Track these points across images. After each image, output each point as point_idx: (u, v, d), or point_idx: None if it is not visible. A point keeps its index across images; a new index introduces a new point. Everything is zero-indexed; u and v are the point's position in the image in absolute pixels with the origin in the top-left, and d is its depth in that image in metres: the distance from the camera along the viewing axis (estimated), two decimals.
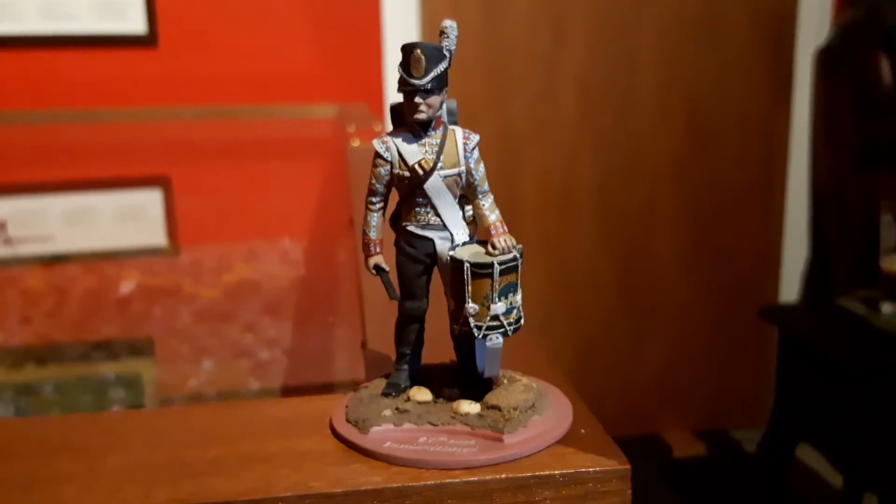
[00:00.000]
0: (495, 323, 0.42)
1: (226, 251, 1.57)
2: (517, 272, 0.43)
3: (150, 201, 1.84)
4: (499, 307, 0.42)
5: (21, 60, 1.96)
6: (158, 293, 1.40)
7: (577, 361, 2.34)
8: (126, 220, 1.78)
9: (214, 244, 1.61)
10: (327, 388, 1.06)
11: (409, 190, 0.44)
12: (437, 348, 0.48)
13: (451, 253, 0.43)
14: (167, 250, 1.59)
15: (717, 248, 2.38)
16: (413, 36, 2.08)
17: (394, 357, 0.48)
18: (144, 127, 1.97)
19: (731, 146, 2.33)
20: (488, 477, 0.39)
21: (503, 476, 0.39)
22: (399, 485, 0.39)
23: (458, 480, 0.39)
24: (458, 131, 0.44)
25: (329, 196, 1.61)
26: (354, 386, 0.94)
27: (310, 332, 1.25)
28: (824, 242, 2.08)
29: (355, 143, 1.37)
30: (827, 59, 2.03)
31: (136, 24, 1.97)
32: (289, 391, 1.08)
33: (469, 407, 0.43)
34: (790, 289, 2.38)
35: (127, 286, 1.44)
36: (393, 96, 2.09)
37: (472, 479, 0.39)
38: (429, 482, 0.39)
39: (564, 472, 0.40)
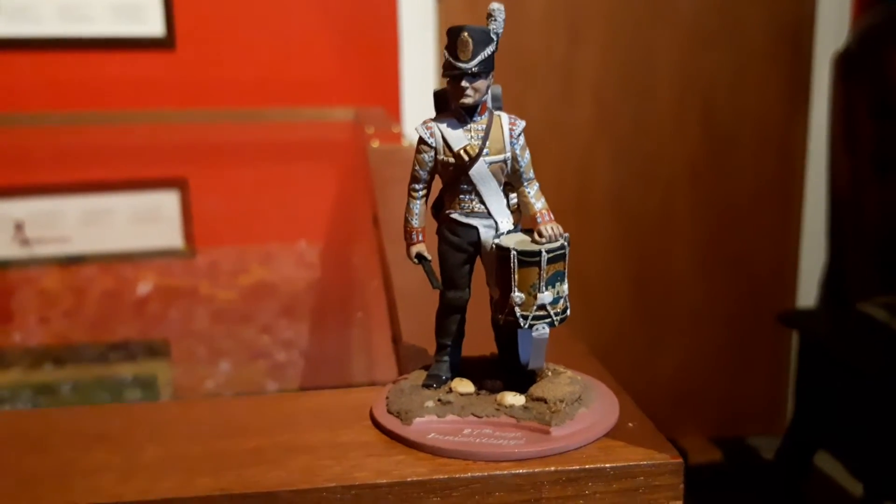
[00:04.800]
0: (542, 312, 0.42)
1: (242, 253, 1.57)
2: (564, 261, 0.42)
3: (167, 203, 1.85)
4: (546, 296, 0.41)
5: (39, 62, 1.97)
6: (175, 294, 1.40)
7: None
8: (143, 221, 1.78)
9: (231, 246, 1.61)
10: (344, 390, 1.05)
11: (454, 177, 0.43)
12: (476, 340, 0.47)
13: (497, 241, 0.42)
14: (184, 252, 1.59)
15: (734, 252, 2.36)
16: (430, 40, 2.08)
17: (428, 352, 0.47)
18: (161, 129, 1.98)
19: (748, 151, 2.32)
20: (537, 469, 0.38)
21: (552, 469, 0.38)
22: (446, 476, 0.38)
23: (506, 472, 0.38)
24: (504, 117, 0.43)
25: (345, 198, 1.61)
26: (372, 387, 0.93)
27: (326, 333, 1.25)
28: (842, 247, 2.06)
29: (375, 144, 1.36)
30: (845, 63, 2.01)
31: (153, 26, 1.98)
32: (306, 392, 1.07)
33: (514, 399, 0.42)
34: (807, 294, 2.36)
35: (144, 287, 1.44)
36: (409, 99, 2.10)
37: (520, 471, 0.38)
38: (476, 474, 0.38)
39: (615, 465, 0.39)
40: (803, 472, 1.93)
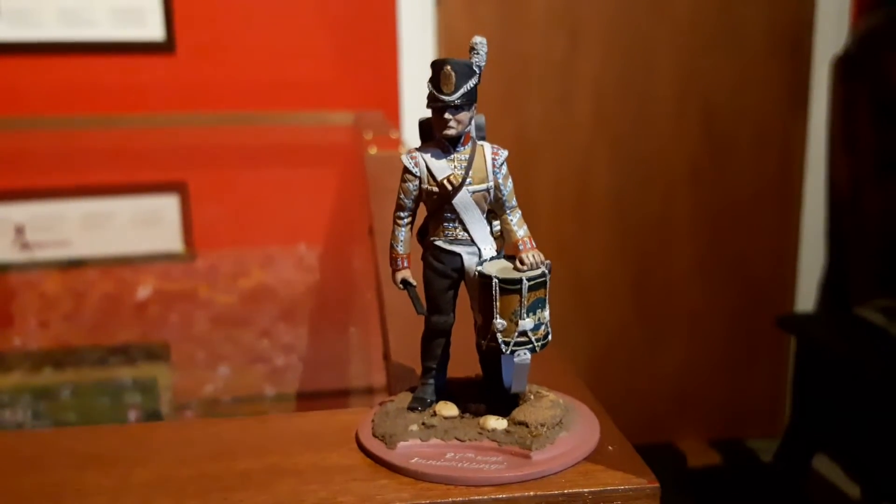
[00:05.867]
0: (523, 339, 0.42)
1: (242, 257, 1.58)
2: (545, 288, 0.43)
3: (167, 207, 1.86)
4: (527, 323, 0.42)
5: (40, 66, 1.98)
6: (175, 298, 1.41)
7: (591, 368, 2.33)
8: (143, 225, 1.79)
9: (230, 250, 1.62)
10: (342, 395, 1.06)
11: (438, 205, 0.44)
12: (463, 362, 0.48)
13: (479, 268, 0.43)
14: (183, 256, 1.60)
15: (733, 255, 2.37)
16: (429, 44, 2.09)
17: (417, 370, 0.48)
18: (161, 133, 1.98)
19: (748, 153, 2.32)
20: (517, 494, 0.39)
21: (532, 493, 0.39)
22: (427, 501, 0.39)
23: (486, 497, 0.39)
24: (487, 147, 0.44)
25: (345, 203, 1.62)
26: (370, 392, 0.94)
27: (325, 338, 1.25)
28: (841, 250, 2.07)
29: (373, 150, 1.37)
30: (845, 66, 2.01)
31: (154, 30, 1.99)
32: (304, 397, 1.09)
33: (496, 423, 0.43)
34: (806, 296, 2.36)
35: (143, 291, 1.45)
36: (408, 103, 2.10)
37: (500, 496, 0.39)
38: (457, 499, 0.39)
39: (593, 489, 0.40)
40: (801, 475, 1.94)
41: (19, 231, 1.69)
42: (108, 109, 2.00)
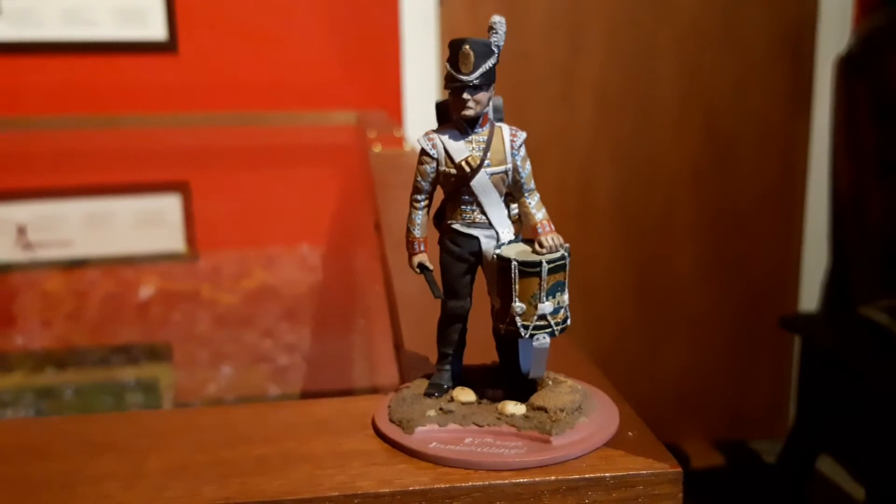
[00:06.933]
0: (542, 322, 0.42)
1: (244, 257, 1.57)
2: (565, 271, 0.42)
3: (169, 206, 1.85)
4: (546, 306, 0.42)
5: (42, 66, 1.98)
6: (177, 298, 1.41)
7: None
8: (145, 225, 1.78)
9: (233, 250, 1.62)
10: (346, 394, 1.05)
11: (455, 187, 0.43)
12: (478, 349, 0.48)
13: (498, 251, 0.43)
14: (186, 255, 1.60)
15: (736, 256, 2.36)
16: (431, 44, 2.09)
17: (430, 360, 0.48)
18: (164, 133, 1.98)
19: (750, 154, 2.32)
20: (537, 479, 0.39)
21: (553, 478, 0.39)
22: (447, 485, 0.38)
23: (507, 482, 0.39)
24: (505, 128, 0.44)
25: (347, 202, 1.62)
26: (374, 391, 0.93)
27: (329, 337, 1.25)
28: (844, 251, 2.06)
29: (377, 148, 1.37)
30: (847, 66, 2.01)
31: (156, 30, 1.98)
32: (308, 396, 1.08)
33: (514, 408, 0.43)
34: (810, 297, 2.36)
35: (146, 291, 1.45)
36: (411, 102, 2.10)
37: (521, 480, 0.39)
38: (477, 483, 0.38)
39: (615, 474, 0.39)
40: (805, 476, 1.93)
41: (21, 231, 1.68)
42: (110, 109, 1.99)
